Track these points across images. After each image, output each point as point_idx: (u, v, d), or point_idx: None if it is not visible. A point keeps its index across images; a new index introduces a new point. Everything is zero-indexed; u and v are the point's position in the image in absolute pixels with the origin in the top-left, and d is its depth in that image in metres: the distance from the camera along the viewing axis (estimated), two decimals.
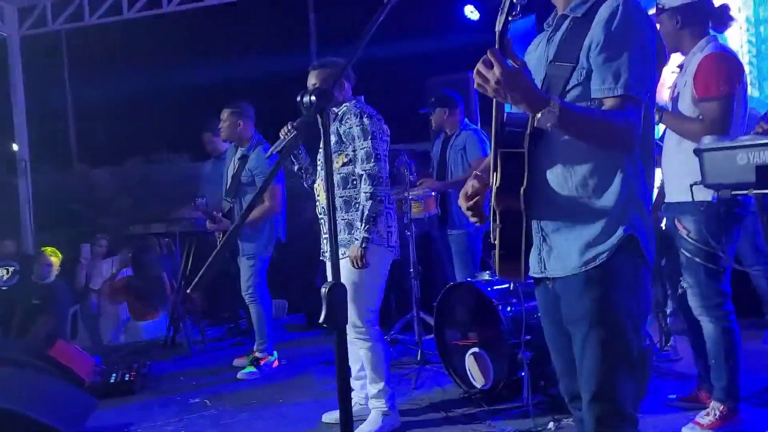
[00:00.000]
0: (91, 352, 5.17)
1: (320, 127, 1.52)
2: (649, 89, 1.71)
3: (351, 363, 3.49)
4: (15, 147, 8.23)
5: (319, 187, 3.39)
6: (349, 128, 3.25)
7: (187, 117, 4.74)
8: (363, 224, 3.19)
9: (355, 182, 3.27)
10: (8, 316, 5.71)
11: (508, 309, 3.57)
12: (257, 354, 4.58)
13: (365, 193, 3.20)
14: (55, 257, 5.62)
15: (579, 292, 1.74)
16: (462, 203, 1.93)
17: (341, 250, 3.21)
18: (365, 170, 3.20)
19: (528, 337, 3.45)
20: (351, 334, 3.25)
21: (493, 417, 3.37)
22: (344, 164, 3.27)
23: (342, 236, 3.25)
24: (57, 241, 6.79)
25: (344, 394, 1.48)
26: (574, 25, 1.78)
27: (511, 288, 3.68)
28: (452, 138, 4.75)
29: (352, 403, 3.30)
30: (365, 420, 3.33)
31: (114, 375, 4.41)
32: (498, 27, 1.66)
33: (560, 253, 1.78)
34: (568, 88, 1.74)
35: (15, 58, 8.34)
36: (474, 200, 1.91)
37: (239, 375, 4.50)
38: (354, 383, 3.49)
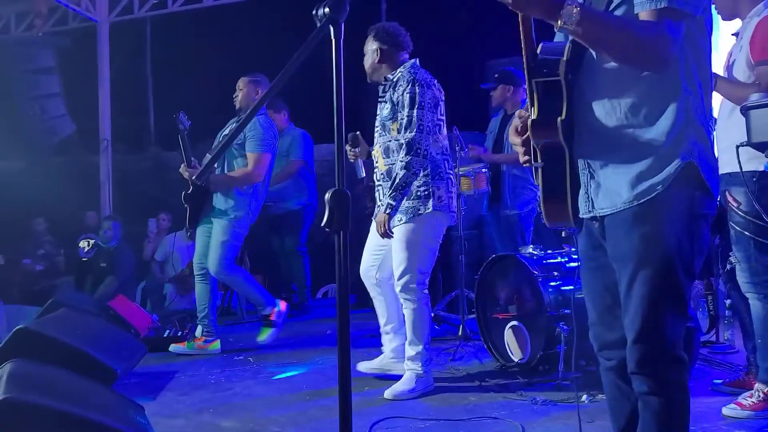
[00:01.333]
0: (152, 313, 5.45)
1: (332, 38, 1.56)
2: (697, 1, 1.57)
3: (379, 316, 3.59)
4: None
5: (377, 153, 3.44)
6: (401, 95, 3.27)
7: None
8: (391, 191, 3.22)
9: None
10: (84, 280, 6.17)
11: (550, 283, 3.53)
12: (265, 313, 4.46)
13: (401, 161, 3.23)
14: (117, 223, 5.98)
15: (628, 227, 1.62)
16: (513, 139, 1.80)
17: (397, 216, 3.27)
18: (406, 138, 3.22)
19: (568, 311, 3.41)
20: (400, 293, 3.32)
21: (526, 388, 3.34)
22: (399, 131, 3.29)
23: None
24: (129, 216, 7.20)
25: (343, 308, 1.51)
26: None
27: (557, 260, 3.66)
28: (512, 117, 4.70)
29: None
30: (394, 374, 3.39)
31: (167, 331, 4.63)
32: None
33: (609, 188, 1.65)
34: (611, 7, 1.62)
35: (103, 43, 8.86)
36: (526, 135, 1.75)
37: (261, 340, 4.43)
38: (383, 338, 3.56)
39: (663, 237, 1.60)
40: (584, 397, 3.06)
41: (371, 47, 3.45)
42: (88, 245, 6.28)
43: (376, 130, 3.48)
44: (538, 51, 1.66)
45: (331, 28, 1.55)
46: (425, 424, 2.85)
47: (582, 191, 1.71)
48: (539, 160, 1.71)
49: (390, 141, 3.34)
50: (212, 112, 4.65)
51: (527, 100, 1.71)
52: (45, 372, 2.49)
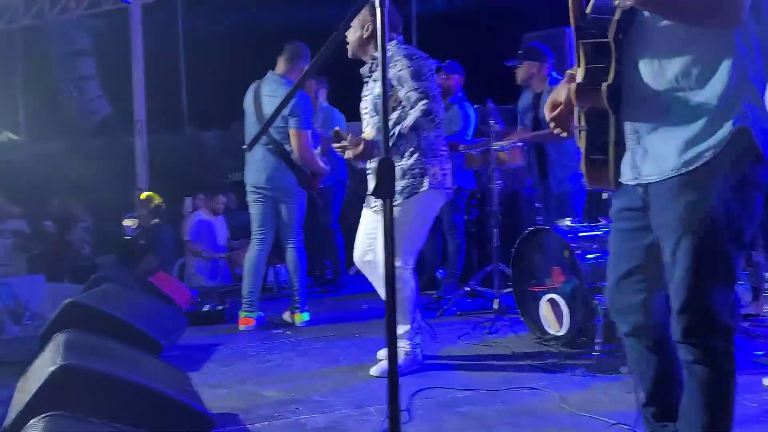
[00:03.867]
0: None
1: (360, 18, 1.56)
2: None
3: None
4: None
5: (370, 134, 3.27)
6: (399, 71, 3.13)
7: None
8: (401, 127, 3.04)
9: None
10: (126, 258, 6.34)
11: (587, 255, 3.52)
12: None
13: (420, 110, 3.05)
14: (155, 201, 6.09)
15: (674, 195, 1.56)
16: (546, 113, 1.77)
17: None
18: (422, 107, 3.07)
19: (605, 284, 3.39)
20: (367, 269, 3.28)
21: (564, 360, 3.34)
22: (393, 109, 3.16)
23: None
24: (166, 195, 7.34)
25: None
26: None
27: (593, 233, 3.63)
28: (543, 94, 4.62)
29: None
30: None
31: (207, 305, 4.74)
32: None
33: (657, 154, 1.59)
34: None
35: (136, 25, 8.96)
36: (558, 109, 1.74)
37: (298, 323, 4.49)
38: None
39: (711, 205, 1.54)
40: (623, 368, 3.06)
41: (362, 20, 3.21)
42: (134, 223, 6.45)
43: (365, 112, 3.33)
44: (588, 10, 1.61)
45: (370, 7, 1.56)
46: (464, 394, 2.89)
47: (628, 156, 1.68)
48: (583, 123, 1.68)
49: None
50: (245, 91, 4.66)
51: (575, 61, 1.66)
52: (97, 341, 2.58)
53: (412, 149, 3.18)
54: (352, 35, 3.28)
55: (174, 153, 9.53)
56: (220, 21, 9.56)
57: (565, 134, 1.78)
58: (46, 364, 2.14)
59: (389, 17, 3.27)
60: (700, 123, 1.55)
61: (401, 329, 3.25)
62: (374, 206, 3.27)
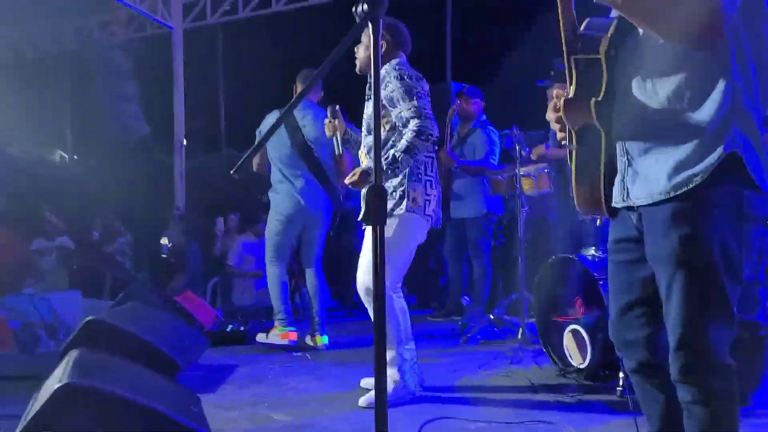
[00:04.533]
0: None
1: (370, 35, 1.57)
2: None
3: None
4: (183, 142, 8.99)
5: (363, 155, 3.30)
6: (391, 92, 3.08)
7: (326, 102, 4.94)
8: (395, 150, 3.01)
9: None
10: (159, 276, 6.46)
11: None
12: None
13: (406, 141, 3.01)
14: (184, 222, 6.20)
15: (666, 224, 1.52)
16: (550, 115, 1.73)
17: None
18: (414, 128, 3.00)
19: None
20: (364, 298, 3.18)
21: (584, 394, 3.24)
22: (388, 130, 3.13)
23: None
24: (201, 215, 7.49)
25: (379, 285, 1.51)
26: None
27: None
28: None
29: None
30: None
31: (230, 326, 4.77)
32: None
33: (647, 176, 1.55)
34: None
35: (178, 49, 9.21)
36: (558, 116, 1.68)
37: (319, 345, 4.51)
38: None
39: (704, 238, 1.49)
40: None
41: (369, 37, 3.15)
42: (168, 242, 6.58)
43: (362, 131, 3.31)
44: (582, 27, 1.59)
45: (370, 24, 1.56)
46: (476, 426, 2.81)
47: (618, 178, 1.64)
48: (574, 143, 1.64)
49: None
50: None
51: (567, 77, 1.63)
52: (108, 360, 2.60)
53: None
54: (362, 52, 3.29)
55: (211, 173, 9.72)
56: (257, 46, 9.79)
57: (569, 141, 1.69)
58: (53, 382, 2.17)
59: (397, 36, 3.30)
60: (691, 146, 1.50)
61: (387, 354, 3.12)
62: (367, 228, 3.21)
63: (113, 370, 2.49)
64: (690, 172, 1.49)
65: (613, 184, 1.66)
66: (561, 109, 1.61)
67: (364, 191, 1.52)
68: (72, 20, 9.86)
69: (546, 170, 4.41)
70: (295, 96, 4.53)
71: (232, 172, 1.68)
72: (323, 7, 8.34)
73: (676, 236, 1.51)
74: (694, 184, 1.49)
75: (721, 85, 1.47)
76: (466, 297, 5.22)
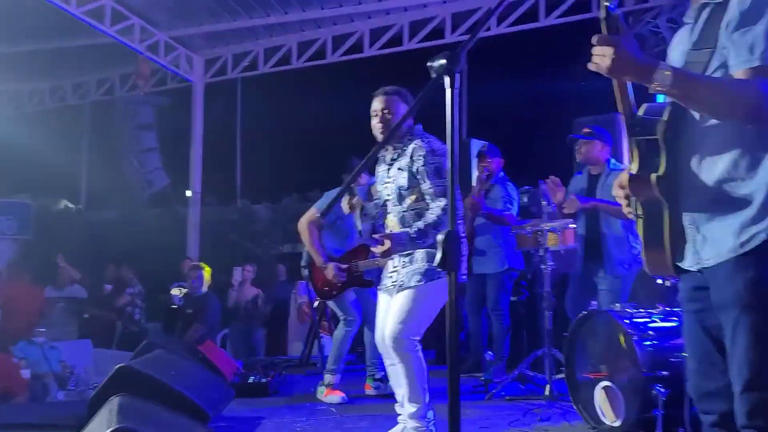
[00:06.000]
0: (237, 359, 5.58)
1: (447, 87, 1.63)
2: None
3: (394, 387, 3.36)
4: (188, 193, 9.20)
5: (392, 222, 3.38)
6: (423, 165, 3.22)
7: (341, 156, 5.06)
8: (424, 223, 3.15)
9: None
10: (172, 326, 6.43)
11: (645, 342, 3.40)
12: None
13: (441, 208, 3.16)
14: (205, 271, 6.19)
15: (730, 274, 1.64)
16: (617, 192, 1.83)
17: (415, 277, 3.21)
18: (444, 206, 3.15)
19: (665, 373, 3.26)
20: (393, 345, 3.18)
21: None
22: (417, 200, 3.26)
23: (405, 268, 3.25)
24: (216, 265, 7.49)
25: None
26: (712, 11, 1.74)
27: (651, 319, 3.52)
28: (601, 177, 4.56)
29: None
30: None
31: (252, 377, 4.72)
32: (601, 14, 1.65)
33: (714, 239, 1.69)
34: (709, 72, 1.70)
35: (198, 101, 9.44)
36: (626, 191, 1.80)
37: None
38: (398, 408, 3.31)
39: (766, 281, 1.59)
40: None
41: (400, 108, 3.34)
42: (180, 293, 6.58)
43: (387, 197, 3.39)
44: (642, 112, 1.77)
45: (447, 79, 1.63)
46: None
47: (689, 246, 1.75)
48: (640, 213, 1.78)
49: (406, 211, 3.29)
50: (298, 170, 4.82)
51: (629, 156, 1.80)
52: (149, 408, 2.59)
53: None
54: (391, 123, 3.33)
55: (226, 224, 9.79)
56: (274, 102, 10.02)
57: (632, 213, 1.82)
58: (102, 427, 2.15)
59: (410, 104, 3.38)
60: (752, 209, 1.64)
61: (412, 407, 3.16)
62: (381, 287, 3.36)
63: (156, 418, 2.47)
64: (755, 230, 1.63)
65: (678, 247, 1.77)
66: (626, 183, 1.76)
67: (440, 237, 1.57)
68: (95, 73, 10.11)
69: (571, 225, 4.43)
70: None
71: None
72: (340, 66, 8.57)
73: (741, 280, 1.61)
74: (760, 241, 1.61)
75: None
76: (489, 352, 5.17)
